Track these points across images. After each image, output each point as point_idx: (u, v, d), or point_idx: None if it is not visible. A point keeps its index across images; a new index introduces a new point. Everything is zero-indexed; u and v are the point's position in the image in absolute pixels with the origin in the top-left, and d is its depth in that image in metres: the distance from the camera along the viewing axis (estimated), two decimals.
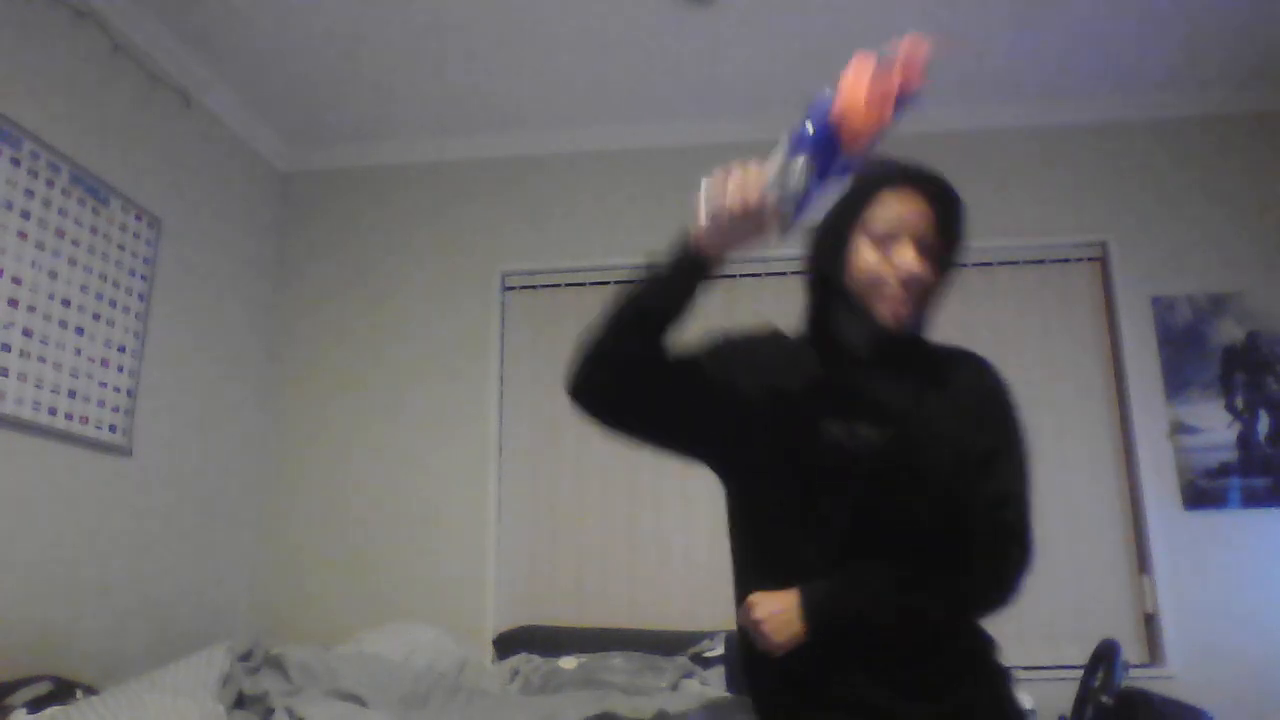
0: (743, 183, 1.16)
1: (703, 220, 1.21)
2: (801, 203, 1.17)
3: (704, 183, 1.21)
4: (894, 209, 1.27)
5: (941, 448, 1.22)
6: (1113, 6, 2.94)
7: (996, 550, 1.22)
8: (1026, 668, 3.01)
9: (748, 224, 1.17)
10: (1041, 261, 3.42)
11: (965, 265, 1.32)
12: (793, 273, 3.79)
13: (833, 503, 1.24)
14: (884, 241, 1.26)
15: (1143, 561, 3.14)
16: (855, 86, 1.17)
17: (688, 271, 1.25)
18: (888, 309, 1.25)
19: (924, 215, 1.26)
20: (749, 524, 1.36)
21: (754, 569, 1.33)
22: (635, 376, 1.28)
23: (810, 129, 1.17)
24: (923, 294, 1.27)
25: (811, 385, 1.30)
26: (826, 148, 1.15)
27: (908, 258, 1.24)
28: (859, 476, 1.23)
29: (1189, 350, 3.24)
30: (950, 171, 3.78)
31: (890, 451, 1.22)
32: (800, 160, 1.15)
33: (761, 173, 1.17)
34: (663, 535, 3.31)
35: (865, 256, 1.26)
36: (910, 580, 1.21)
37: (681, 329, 1.28)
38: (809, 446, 1.25)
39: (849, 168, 1.20)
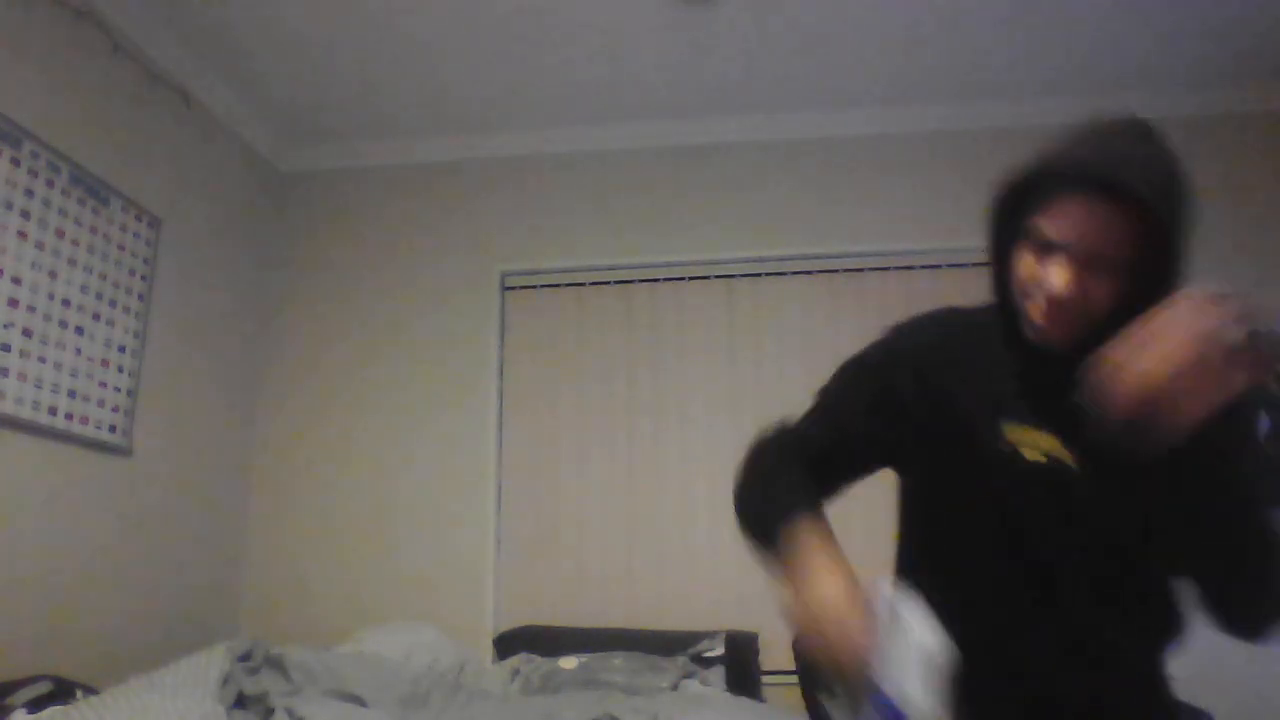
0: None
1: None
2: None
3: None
4: (1060, 219, 1.03)
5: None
6: (1113, 7, 2.94)
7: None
8: None
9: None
10: None
11: (1171, 284, 1.04)
12: (792, 273, 3.78)
13: (1013, 510, 1.14)
14: (1044, 251, 1.06)
15: None
16: None
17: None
18: (1035, 326, 1.08)
19: (1103, 228, 1.01)
20: (925, 526, 1.27)
21: (926, 570, 1.24)
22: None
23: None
24: (1089, 317, 1.05)
25: (996, 385, 1.17)
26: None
27: (1056, 278, 1.03)
28: (1040, 489, 1.13)
29: None
30: (950, 171, 3.77)
31: (1075, 470, 1.11)
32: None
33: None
34: (663, 535, 3.31)
35: (1022, 266, 1.09)
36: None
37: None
38: (988, 453, 1.15)
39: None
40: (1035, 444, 1.12)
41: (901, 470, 1.29)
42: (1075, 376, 1.03)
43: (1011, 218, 1.10)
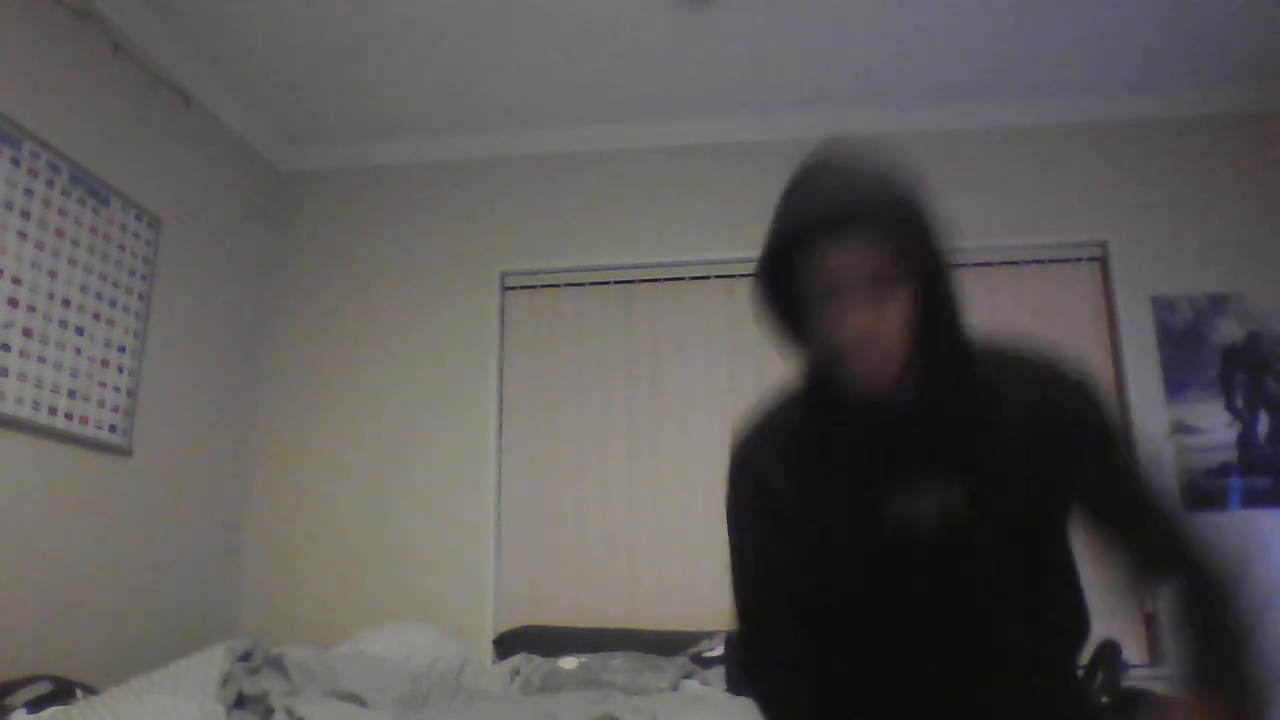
0: None
1: None
2: None
3: None
4: (813, 266, 1.03)
5: (1019, 497, 1.10)
6: (1113, 7, 2.94)
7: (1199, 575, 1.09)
8: None
9: None
10: (1041, 261, 3.42)
11: (959, 255, 1.07)
12: None
13: (919, 584, 1.12)
14: (823, 303, 1.04)
15: None
16: None
17: None
18: (863, 380, 1.05)
19: (851, 252, 1.02)
20: (831, 636, 1.20)
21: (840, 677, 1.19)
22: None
23: None
24: (897, 346, 1.04)
25: (858, 466, 1.14)
26: None
27: (850, 319, 1.02)
28: (941, 551, 1.10)
29: (1189, 350, 3.24)
30: (950, 172, 3.80)
31: (965, 515, 1.09)
32: None
33: None
34: (663, 535, 3.31)
35: (817, 326, 1.07)
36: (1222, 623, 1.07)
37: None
38: (876, 543, 1.12)
39: None
40: (916, 506, 1.10)
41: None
42: (918, 416, 1.07)
43: (780, 301, 1.11)
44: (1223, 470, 3.14)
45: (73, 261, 2.62)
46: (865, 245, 1.02)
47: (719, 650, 2.86)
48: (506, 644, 3.06)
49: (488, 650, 3.16)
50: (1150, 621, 3.11)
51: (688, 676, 2.68)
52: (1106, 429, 1.12)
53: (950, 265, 1.05)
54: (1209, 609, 1.07)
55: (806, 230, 1.03)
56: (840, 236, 1.02)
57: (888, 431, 1.10)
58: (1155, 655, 3.07)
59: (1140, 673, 2.96)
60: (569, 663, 2.73)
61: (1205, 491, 3.13)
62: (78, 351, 2.63)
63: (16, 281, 2.42)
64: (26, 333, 2.45)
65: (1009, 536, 1.11)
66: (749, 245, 3.88)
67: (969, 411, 1.10)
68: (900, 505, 1.10)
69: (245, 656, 2.21)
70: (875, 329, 1.02)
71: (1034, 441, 1.10)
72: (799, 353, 1.14)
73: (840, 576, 1.16)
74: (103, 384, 2.73)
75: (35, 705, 1.95)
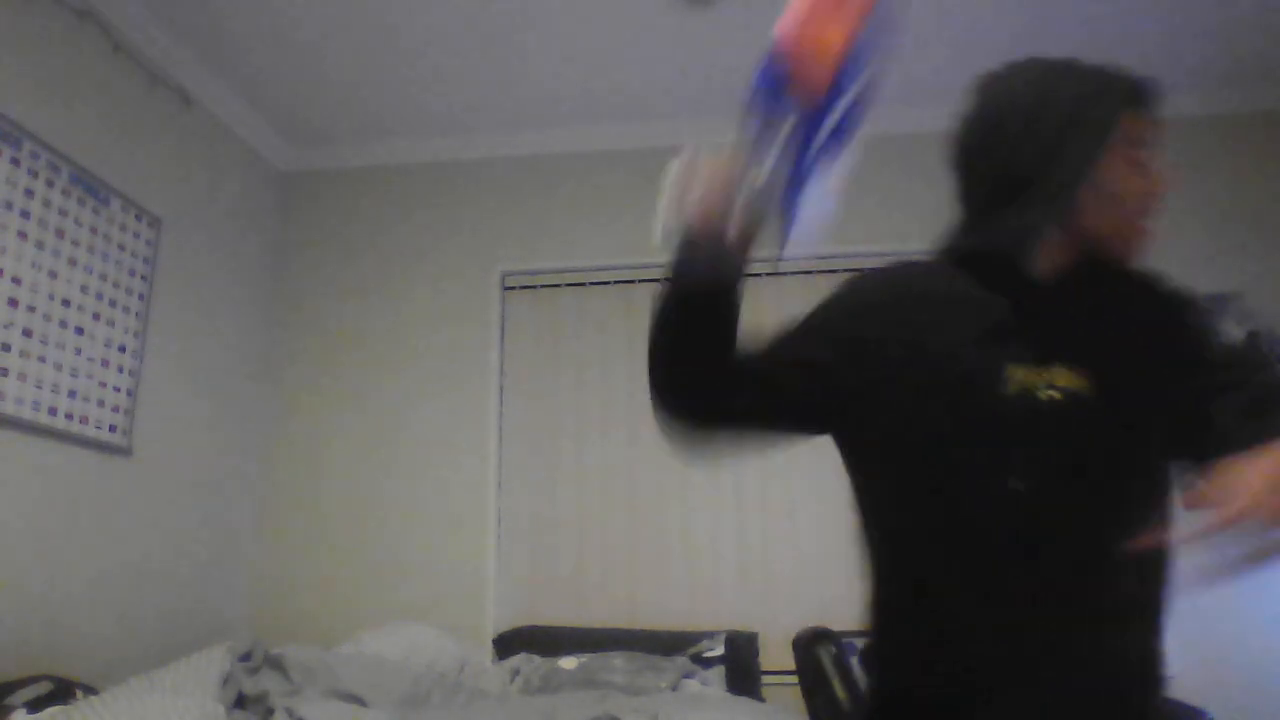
0: (704, 183, 1.00)
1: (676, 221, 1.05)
2: (789, 192, 0.92)
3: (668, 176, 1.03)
4: (1148, 127, 1.08)
5: (1151, 399, 1.06)
6: (1111, 7, 2.95)
7: None
8: None
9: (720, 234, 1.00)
10: None
11: None
12: (792, 273, 3.77)
13: (1029, 462, 1.03)
14: (1143, 164, 1.07)
15: None
16: (796, 8, 0.89)
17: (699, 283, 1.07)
18: (1137, 245, 1.08)
19: (1157, 120, 1.10)
20: (911, 503, 1.10)
21: (925, 554, 1.08)
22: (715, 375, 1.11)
23: (759, 84, 0.89)
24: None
25: (988, 326, 1.09)
26: (780, 101, 0.89)
27: (1160, 174, 1.07)
28: (1060, 429, 1.03)
29: None
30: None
31: (1095, 400, 1.03)
32: (762, 136, 0.91)
33: (728, 166, 0.98)
34: (662, 535, 3.31)
35: (1129, 180, 1.06)
36: None
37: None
38: (989, 399, 1.04)
39: (844, 126, 0.92)
40: (1046, 381, 1.03)
41: (859, 441, 1.15)
42: (1078, 299, 1.07)
43: (1098, 130, 1.06)
44: None
45: (73, 261, 2.62)
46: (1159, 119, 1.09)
47: (719, 650, 2.86)
48: (506, 644, 3.06)
49: (488, 650, 3.16)
50: None
51: (688, 676, 2.68)
52: (1225, 346, 1.13)
53: None
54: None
55: (1143, 87, 1.08)
56: (1157, 104, 1.09)
57: (1039, 306, 1.08)
58: None
59: None
60: (569, 663, 2.73)
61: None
62: (78, 351, 2.63)
63: (16, 281, 2.42)
64: (26, 333, 2.45)
65: (1136, 440, 1.06)
66: None
67: (1125, 307, 1.12)
68: (1029, 378, 1.04)
69: (246, 656, 2.21)
70: (1165, 191, 1.08)
71: (1163, 350, 1.10)
72: (1065, 191, 1.06)
73: (933, 424, 1.07)
74: (103, 384, 2.73)
75: (35, 705, 1.95)
